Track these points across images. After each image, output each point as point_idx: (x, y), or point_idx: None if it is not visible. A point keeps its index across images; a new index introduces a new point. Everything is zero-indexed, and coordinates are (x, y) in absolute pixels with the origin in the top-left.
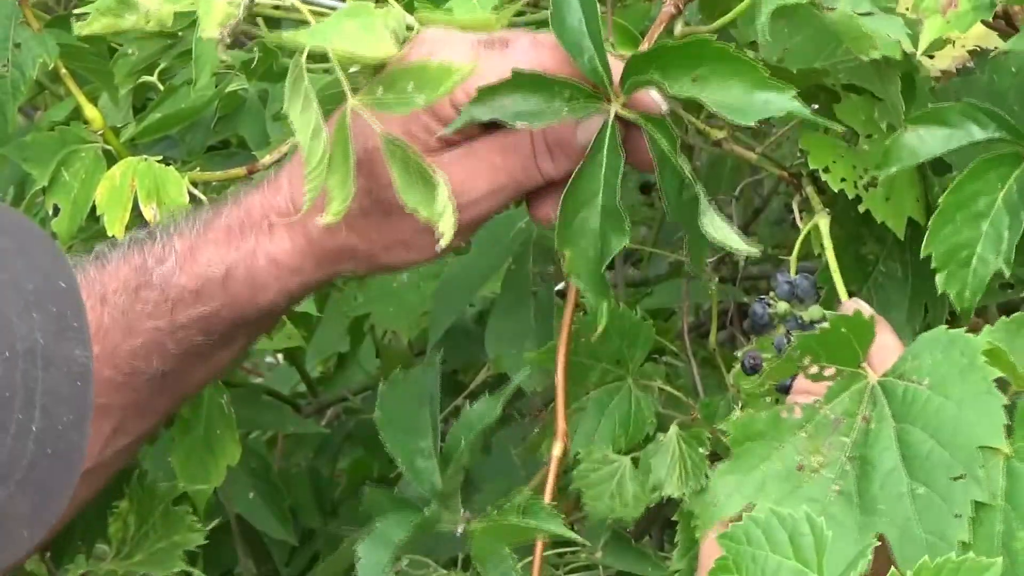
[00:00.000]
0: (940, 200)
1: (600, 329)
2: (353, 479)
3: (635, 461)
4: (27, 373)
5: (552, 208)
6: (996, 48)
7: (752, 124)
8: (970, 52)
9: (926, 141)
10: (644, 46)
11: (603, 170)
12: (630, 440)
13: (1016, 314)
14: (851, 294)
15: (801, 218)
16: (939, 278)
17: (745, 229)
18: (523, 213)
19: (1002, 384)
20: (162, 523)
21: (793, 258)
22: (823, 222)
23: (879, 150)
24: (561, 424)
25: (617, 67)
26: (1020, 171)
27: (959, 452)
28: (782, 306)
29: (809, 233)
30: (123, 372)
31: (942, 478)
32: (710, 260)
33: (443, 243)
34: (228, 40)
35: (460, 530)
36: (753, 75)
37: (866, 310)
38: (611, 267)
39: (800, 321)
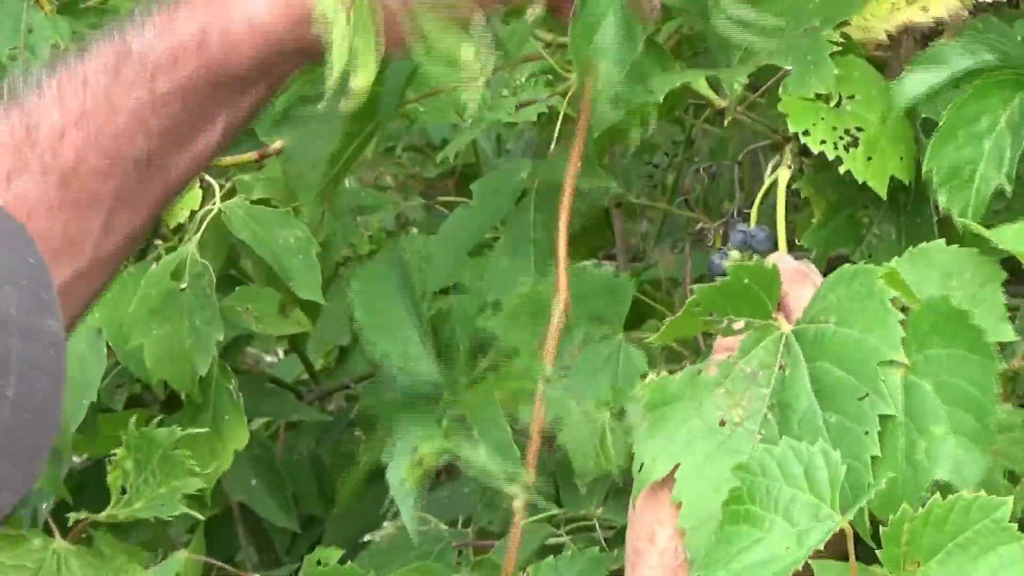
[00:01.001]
0: (942, 117)
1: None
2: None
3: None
4: (2, 342)
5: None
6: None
7: None
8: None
9: (926, 80)
10: None
11: None
12: (621, 394)
13: (921, 244)
14: (843, 256)
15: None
16: (941, 196)
17: (746, 202)
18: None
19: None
20: (161, 468)
21: (754, 209)
22: (783, 175)
23: (861, 109)
24: (563, 292)
25: None
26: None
27: (862, 373)
28: (734, 254)
29: (809, 201)
30: (108, 156)
31: (850, 402)
32: (710, 225)
33: (472, 109)
34: None
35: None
36: None
37: (784, 261)
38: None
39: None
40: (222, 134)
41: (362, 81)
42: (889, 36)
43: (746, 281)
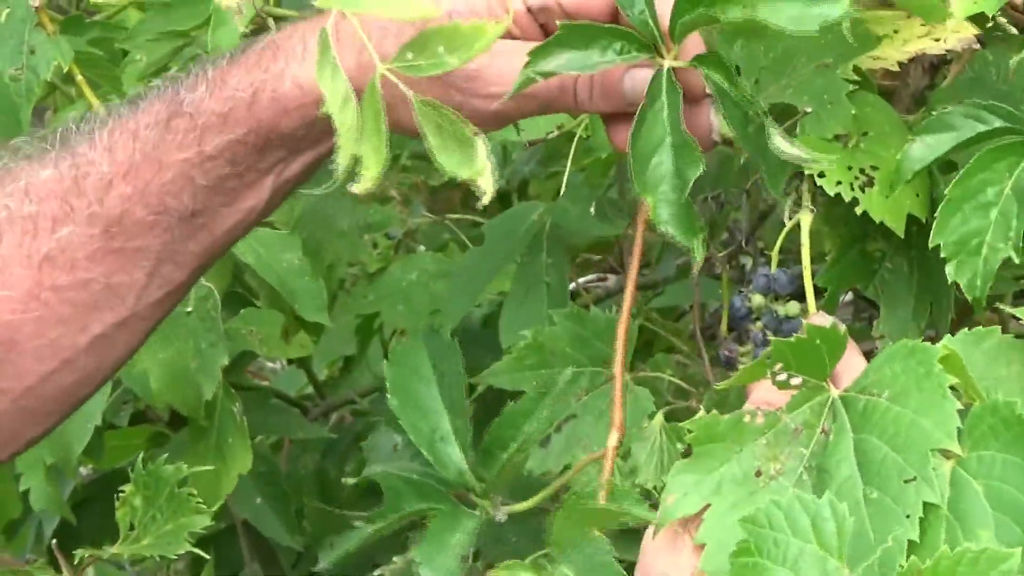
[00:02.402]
0: (946, 191)
1: (698, 262)
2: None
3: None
4: None
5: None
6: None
7: (815, 29)
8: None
9: (933, 146)
10: None
11: (664, 113)
12: (628, 435)
13: (976, 328)
14: (856, 292)
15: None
16: (949, 268)
17: (752, 232)
18: (535, 206)
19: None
20: (168, 506)
21: (774, 252)
22: (805, 219)
23: (875, 147)
24: (618, 415)
25: (664, 14)
26: None
27: (912, 456)
28: (757, 299)
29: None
30: (154, 211)
31: (895, 482)
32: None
33: (486, 200)
34: (243, 11)
35: (502, 517)
36: None
37: (840, 326)
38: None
39: (776, 315)
40: (271, 194)
41: (371, 174)
42: (899, 65)
43: (817, 341)
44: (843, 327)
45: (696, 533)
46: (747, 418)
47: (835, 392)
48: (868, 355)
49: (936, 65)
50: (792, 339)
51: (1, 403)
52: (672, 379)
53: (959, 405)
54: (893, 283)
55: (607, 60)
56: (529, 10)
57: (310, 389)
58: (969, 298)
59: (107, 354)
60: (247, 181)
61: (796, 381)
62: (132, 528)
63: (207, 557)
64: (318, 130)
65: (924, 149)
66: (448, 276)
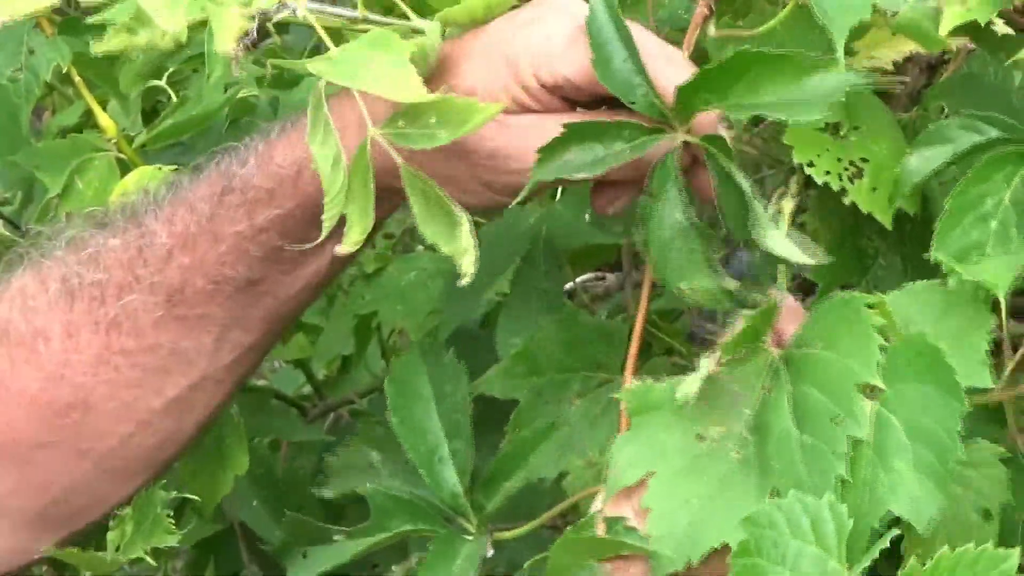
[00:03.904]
0: (945, 204)
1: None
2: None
3: None
4: None
5: (608, 203)
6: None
7: (820, 118)
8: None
9: (930, 159)
10: (685, 52)
11: (677, 198)
12: None
13: (919, 282)
14: (849, 287)
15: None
16: (951, 281)
17: None
18: (532, 211)
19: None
20: (152, 530)
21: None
22: (787, 206)
23: (866, 140)
24: (625, 421)
25: (667, 91)
26: None
27: (839, 396)
28: (731, 283)
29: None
30: (213, 280)
31: (825, 424)
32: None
33: (465, 281)
34: (241, 56)
35: (490, 552)
36: (796, 64)
37: (782, 298)
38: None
39: (745, 302)
40: (331, 260)
41: (355, 237)
42: (895, 65)
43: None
44: (782, 296)
45: (641, 499)
46: (681, 384)
47: (775, 351)
48: None
49: (933, 66)
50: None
51: (86, 463)
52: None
53: (882, 342)
54: (887, 280)
55: (615, 151)
56: (543, 86)
57: (308, 388)
58: (945, 268)
59: (186, 416)
60: (303, 250)
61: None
62: (118, 550)
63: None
64: None
65: (922, 161)
66: (446, 276)
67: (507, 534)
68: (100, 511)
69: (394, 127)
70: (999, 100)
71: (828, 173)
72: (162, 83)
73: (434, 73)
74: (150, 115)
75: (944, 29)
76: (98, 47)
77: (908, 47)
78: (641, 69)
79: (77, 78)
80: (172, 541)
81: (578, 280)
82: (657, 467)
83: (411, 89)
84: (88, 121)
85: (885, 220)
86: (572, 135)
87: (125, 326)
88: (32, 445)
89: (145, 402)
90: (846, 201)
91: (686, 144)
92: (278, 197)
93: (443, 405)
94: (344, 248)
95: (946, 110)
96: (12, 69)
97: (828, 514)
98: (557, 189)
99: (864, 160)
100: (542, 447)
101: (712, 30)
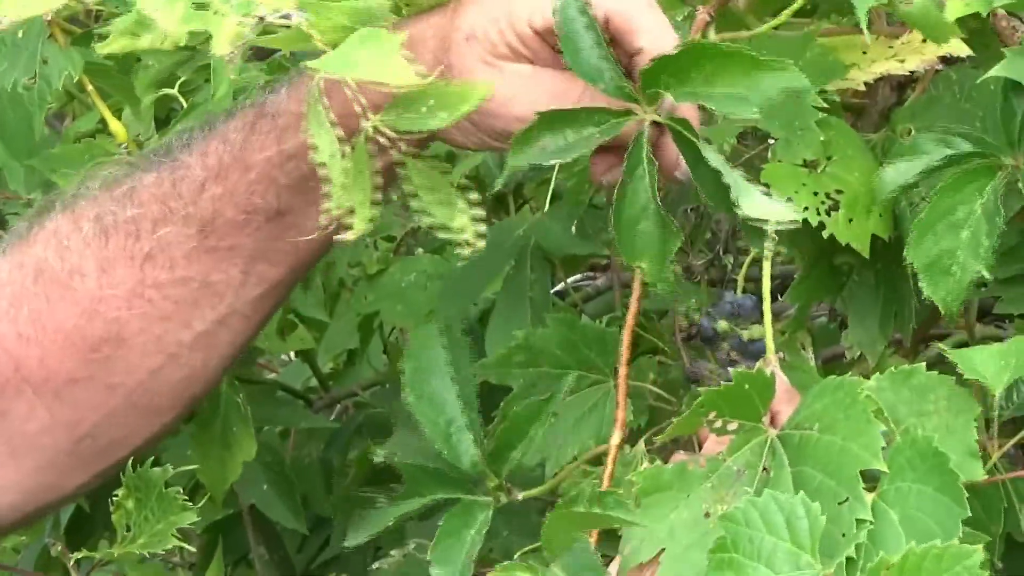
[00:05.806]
0: (920, 213)
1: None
2: (362, 470)
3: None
4: None
5: (607, 169)
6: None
7: (754, 115)
8: (941, 58)
9: (904, 171)
10: None
11: (647, 180)
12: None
13: (903, 366)
14: (824, 304)
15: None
16: (924, 287)
17: (732, 236)
18: (521, 221)
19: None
20: (158, 506)
21: (740, 278)
22: (767, 248)
23: (839, 170)
24: (621, 414)
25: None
26: (996, 180)
27: (843, 479)
28: (722, 324)
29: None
30: (244, 211)
31: (831, 505)
32: (700, 263)
33: (463, 260)
34: (239, 60)
35: (518, 499)
36: (748, 60)
37: (773, 370)
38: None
39: (741, 339)
40: None
41: (361, 223)
42: (866, 84)
43: (746, 387)
44: (772, 368)
45: (656, 572)
46: (690, 465)
47: (772, 432)
48: (838, 358)
49: (903, 84)
50: (721, 387)
51: (115, 398)
52: (654, 389)
53: (883, 427)
54: (861, 295)
55: (586, 136)
56: (536, 32)
57: (314, 382)
58: (944, 313)
59: (212, 351)
60: None
61: (732, 427)
62: (128, 529)
63: (191, 549)
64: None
65: (896, 174)
66: (445, 278)
67: (532, 491)
68: (129, 448)
69: (390, 116)
70: (964, 120)
71: (807, 209)
72: (174, 91)
73: (439, 6)
74: (164, 122)
75: (951, 16)
76: (101, 49)
77: (879, 70)
78: (608, 55)
79: (90, 87)
80: (192, 517)
81: (569, 280)
82: (668, 544)
83: (405, 76)
84: (104, 127)
85: (863, 249)
86: (543, 123)
87: (159, 259)
88: (65, 381)
89: (175, 335)
90: (825, 235)
91: (655, 123)
92: None
93: (459, 375)
94: (351, 236)
95: (912, 132)
96: (27, 78)
97: (802, 511)
98: (546, 200)
99: (839, 192)
100: (540, 419)
101: (712, 35)
